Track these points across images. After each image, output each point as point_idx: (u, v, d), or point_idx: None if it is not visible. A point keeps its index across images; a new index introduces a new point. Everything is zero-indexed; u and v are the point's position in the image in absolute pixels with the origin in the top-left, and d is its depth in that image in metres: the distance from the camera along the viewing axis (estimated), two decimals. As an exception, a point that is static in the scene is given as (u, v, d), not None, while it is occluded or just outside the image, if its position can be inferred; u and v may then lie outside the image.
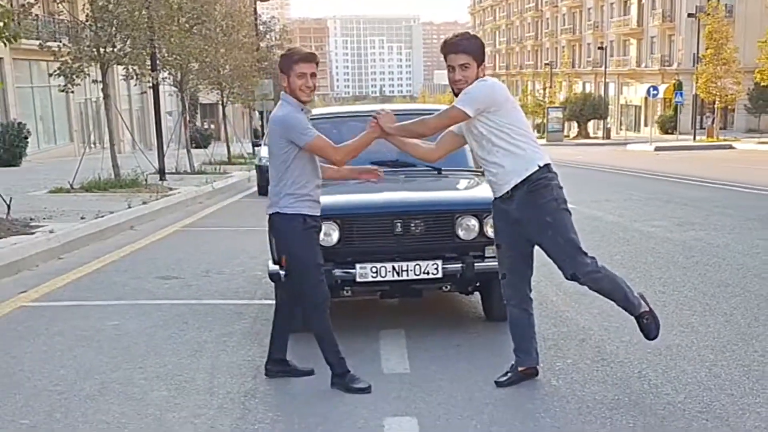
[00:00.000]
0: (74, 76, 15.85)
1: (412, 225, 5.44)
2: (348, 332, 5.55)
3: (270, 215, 4.64)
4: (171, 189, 16.29)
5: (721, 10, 45.53)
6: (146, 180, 16.74)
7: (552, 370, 4.89)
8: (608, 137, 58.36)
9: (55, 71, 16.39)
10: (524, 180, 4.26)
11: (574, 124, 64.72)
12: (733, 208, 13.31)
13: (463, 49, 4.23)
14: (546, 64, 74.48)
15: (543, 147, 4.62)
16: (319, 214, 4.67)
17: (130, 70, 17.38)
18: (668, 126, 54.90)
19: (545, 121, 58.43)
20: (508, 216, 4.34)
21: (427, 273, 5.38)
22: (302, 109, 4.52)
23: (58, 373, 5.09)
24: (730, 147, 36.88)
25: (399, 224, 5.42)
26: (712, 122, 48.19)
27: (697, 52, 47.00)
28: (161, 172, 18.79)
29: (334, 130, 7.19)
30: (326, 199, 5.45)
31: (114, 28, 15.75)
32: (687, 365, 4.94)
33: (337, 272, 5.37)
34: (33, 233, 9.79)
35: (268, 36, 40.28)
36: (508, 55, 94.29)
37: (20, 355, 5.51)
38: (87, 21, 16.27)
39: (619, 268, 7.89)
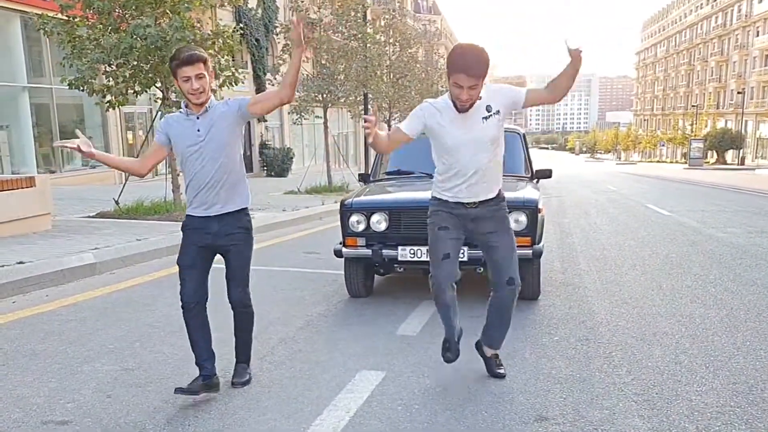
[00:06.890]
0: (303, 113, 16.05)
1: None
2: (393, 300, 5.08)
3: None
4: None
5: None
6: (347, 186, 15.60)
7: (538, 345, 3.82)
8: (742, 164, 50.75)
9: (290, 111, 16.66)
10: (497, 196, 3.14)
11: (715, 153, 56.16)
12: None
13: (476, 74, 2.80)
14: (693, 106, 64.63)
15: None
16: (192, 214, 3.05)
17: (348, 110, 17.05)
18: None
19: (689, 149, 52.04)
20: (466, 215, 3.12)
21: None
22: (187, 115, 2.92)
23: (169, 312, 4.49)
24: None
25: None
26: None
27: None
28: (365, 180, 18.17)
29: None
30: (379, 197, 5.12)
31: (333, 80, 15.46)
32: (657, 351, 3.67)
33: (385, 252, 4.72)
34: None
35: None
36: (663, 100, 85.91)
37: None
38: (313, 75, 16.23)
39: (669, 263, 6.49)
